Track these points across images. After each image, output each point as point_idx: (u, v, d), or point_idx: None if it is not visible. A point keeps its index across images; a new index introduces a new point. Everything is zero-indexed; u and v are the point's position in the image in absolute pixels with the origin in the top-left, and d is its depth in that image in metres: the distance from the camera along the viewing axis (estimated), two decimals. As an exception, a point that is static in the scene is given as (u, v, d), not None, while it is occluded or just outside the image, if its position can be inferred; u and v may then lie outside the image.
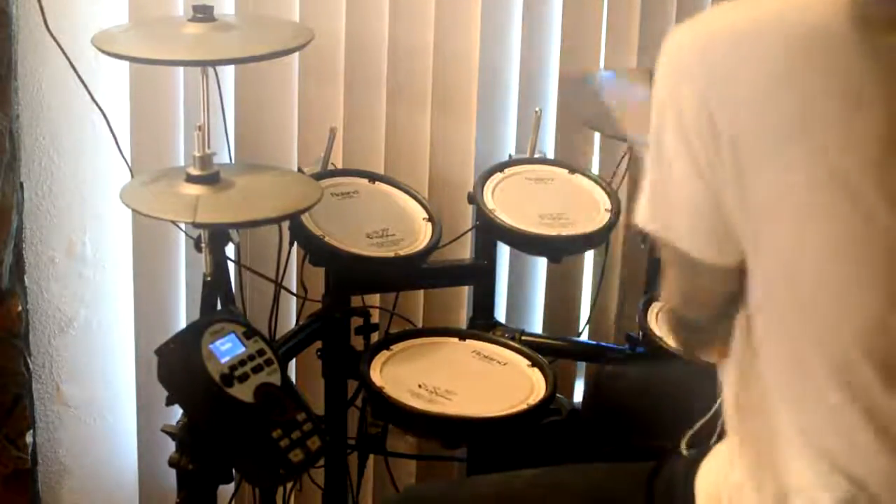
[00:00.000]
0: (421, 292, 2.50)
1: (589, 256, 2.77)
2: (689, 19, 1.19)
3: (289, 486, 2.30)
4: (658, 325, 2.17)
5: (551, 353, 2.20)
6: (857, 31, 1.08)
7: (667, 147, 1.18)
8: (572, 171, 2.33)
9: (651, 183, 1.22)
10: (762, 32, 1.13)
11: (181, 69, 2.12)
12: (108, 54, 1.79)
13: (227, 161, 2.17)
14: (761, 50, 1.12)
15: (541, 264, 2.73)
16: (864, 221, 1.08)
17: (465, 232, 2.41)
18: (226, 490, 2.03)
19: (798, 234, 1.12)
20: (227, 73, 2.18)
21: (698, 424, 1.44)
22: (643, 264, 2.58)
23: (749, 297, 1.20)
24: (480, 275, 2.32)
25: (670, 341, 1.37)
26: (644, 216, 1.23)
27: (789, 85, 1.10)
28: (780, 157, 1.10)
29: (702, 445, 1.45)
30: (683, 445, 1.44)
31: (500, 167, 2.30)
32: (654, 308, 2.23)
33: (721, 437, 1.35)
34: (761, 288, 1.17)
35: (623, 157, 2.63)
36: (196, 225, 1.81)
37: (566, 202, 2.25)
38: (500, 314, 2.58)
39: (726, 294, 1.22)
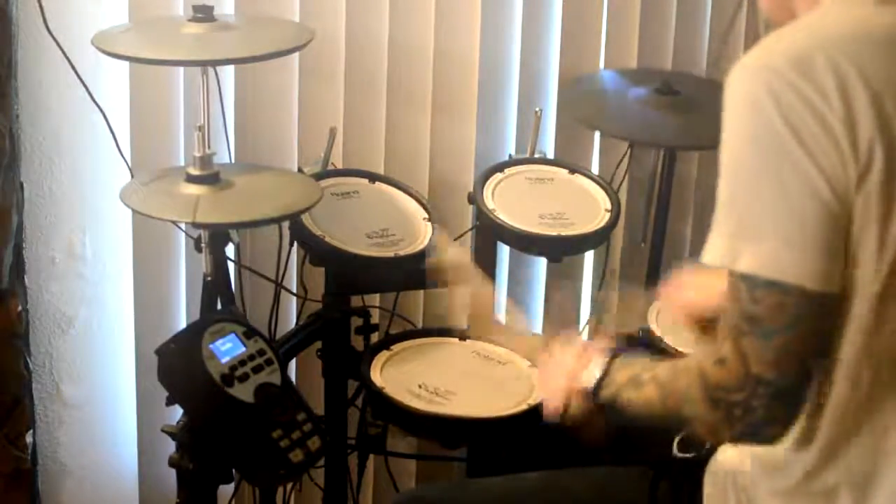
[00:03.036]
0: (421, 292, 2.50)
1: (589, 256, 2.77)
2: (747, 55, 1.22)
3: (289, 486, 2.30)
4: (657, 323, 2.17)
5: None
6: None
7: (781, 171, 1.17)
8: (572, 171, 2.33)
9: (745, 218, 1.20)
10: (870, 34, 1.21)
11: (181, 69, 2.12)
12: (109, 54, 1.79)
13: (227, 161, 2.17)
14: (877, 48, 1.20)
15: (541, 264, 2.73)
16: None
17: (465, 232, 2.41)
18: (226, 490, 2.03)
19: None
20: (227, 73, 2.18)
21: None
22: (643, 264, 2.58)
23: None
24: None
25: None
26: (743, 256, 1.20)
27: None
28: None
29: (692, 448, 1.45)
30: (675, 448, 1.44)
31: (500, 167, 2.30)
32: (654, 308, 2.22)
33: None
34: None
35: (623, 157, 2.63)
36: (196, 225, 1.81)
37: (566, 202, 2.25)
38: (501, 314, 2.58)
39: (821, 337, 1.21)
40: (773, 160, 1.18)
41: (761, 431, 1.23)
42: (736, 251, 1.20)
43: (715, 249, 1.22)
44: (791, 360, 1.20)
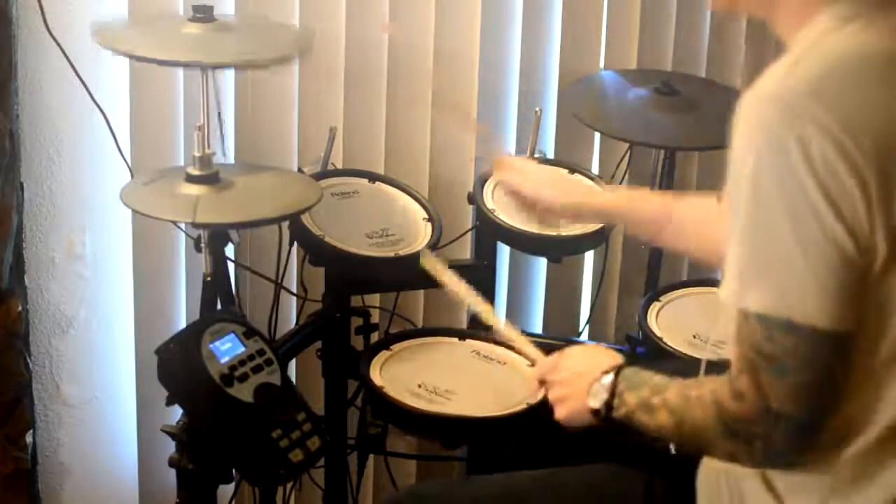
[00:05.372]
0: (421, 292, 2.50)
1: (589, 256, 2.77)
2: (762, 84, 1.19)
3: (289, 486, 2.30)
4: (657, 323, 2.17)
5: (551, 353, 2.20)
6: None
7: (800, 217, 1.16)
8: (572, 171, 2.33)
9: (762, 261, 1.19)
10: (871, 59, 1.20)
11: (181, 69, 2.12)
12: (107, 48, 1.78)
13: (227, 161, 2.17)
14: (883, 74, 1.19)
15: (541, 264, 2.73)
16: None
17: (465, 232, 2.41)
18: (226, 490, 2.03)
19: None
20: (227, 73, 2.18)
21: None
22: (643, 265, 2.59)
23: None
24: (480, 275, 2.32)
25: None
26: (756, 294, 1.19)
27: None
28: None
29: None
30: (672, 446, 1.44)
31: (501, 167, 2.30)
32: (654, 308, 2.22)
33: None
34: None
35: (623, 157, 2.63)
36: (196, 225, 1.81)
37: (566, 202, 2.24)
38: (500, 314, 2.58)
39: (838, 374, 1.21)
40: (792, 205, 1.16)
41: (781, 461, 1.26)
42: (749, 289, 1.19)
43: (729, 287, 1.21)
44: (811, 396, 1.20)
